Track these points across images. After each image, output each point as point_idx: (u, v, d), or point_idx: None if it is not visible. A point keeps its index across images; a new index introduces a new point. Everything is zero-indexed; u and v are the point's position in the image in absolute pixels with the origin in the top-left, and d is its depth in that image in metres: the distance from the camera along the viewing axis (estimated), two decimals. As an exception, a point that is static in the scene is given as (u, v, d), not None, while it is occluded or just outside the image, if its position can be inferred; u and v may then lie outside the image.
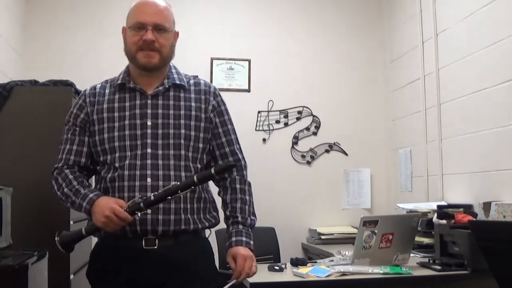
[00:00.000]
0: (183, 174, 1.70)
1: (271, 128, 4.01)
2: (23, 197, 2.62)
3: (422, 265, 2.46)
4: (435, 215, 2.62)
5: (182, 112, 1.75)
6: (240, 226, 1.77)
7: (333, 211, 4.01)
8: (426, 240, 2.77)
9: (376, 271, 2.26)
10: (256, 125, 3.98)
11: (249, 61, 4.00)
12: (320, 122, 4.08)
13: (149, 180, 1.65)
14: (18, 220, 2.51)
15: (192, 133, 1.74)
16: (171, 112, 1.73)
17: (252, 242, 1.78)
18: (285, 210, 3.92)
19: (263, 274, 2.40)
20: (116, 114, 1.73)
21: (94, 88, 1.81)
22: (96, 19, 3.87)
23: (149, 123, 1.70)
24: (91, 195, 1.64)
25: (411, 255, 2.55)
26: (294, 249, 3.83)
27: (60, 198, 1.72)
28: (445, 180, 3.24)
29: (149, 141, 1.69)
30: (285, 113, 4.02)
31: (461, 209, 2.71)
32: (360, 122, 4.13)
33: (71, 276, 2.76)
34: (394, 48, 4.04)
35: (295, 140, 4.04)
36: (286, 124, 4.04)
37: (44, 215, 2.67)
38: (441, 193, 3.25)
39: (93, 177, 1.83)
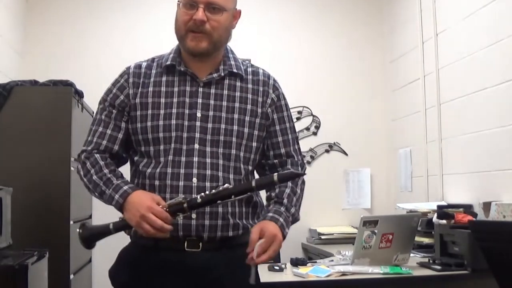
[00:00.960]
0: (231, 176, 1.52)
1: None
2: (23, 197, 2.62)
3: (422, 265, 2.46)
4: (435, 215, 2.62)
5: (237, 105, 1.55)
6: (282, 209, 1.54)
7: (333, 211, 4.01)
8: (426, 240, 2.77)
9: (376, 271, 2.26)
10: (256, 125, 3.98)
11: (249, 61, 3.99)
12: (320, 122, 4.08)
13: (195, 180, 1.47)
14: (18, 220, 2.51)
15: (246, 130, 1.55)
16: (224, 104, 1.54)
17: (287, 231, 1.54)
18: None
19: (263, 274, 2.40)
20: (163, 100, 1.53)
21: (140, 67, 1.59)
22: (97, 19, 3.87)
23: (198, 114, 1.51)
24: (125, 187, 1.44)
25: (411, 255, 2.55)
26: (294, 249, 3.83)
27: (87, 186, 1.53)
28: (445, 180, 3.24)
29: (197, 135, 1.50)
30: (285, 113, 4.02)
31: (461, 209, 2.71)
32: (360, 122, 4.13)
33: (71, 276, 2.77)
34: (394, 48, 4.04)
35: (295, 140, 4.03)
36: (286, 124, 4.03)
37: (44, 215, 2.68)
38: (441, 193, 3.25)
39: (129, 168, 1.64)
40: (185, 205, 1.39)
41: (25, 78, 3.11)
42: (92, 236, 1.46)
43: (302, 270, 2.30)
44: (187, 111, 1.51)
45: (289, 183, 1.58)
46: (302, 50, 4.12)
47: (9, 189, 2.43)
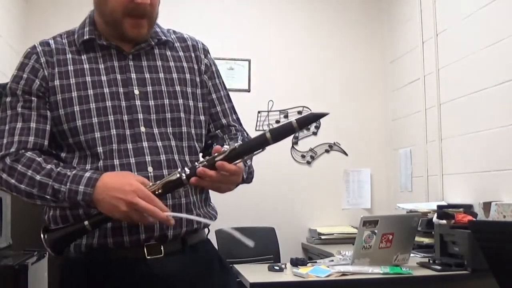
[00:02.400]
0: (187, 158, 1.32)
1: (271, 128, 4.01)
2: (23, 197, 2.62)
3: (422, 265, 2.46)
4: (435, 215, 2.62)
5: (175, 75, 1.37)
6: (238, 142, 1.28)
7: (333, 211, 4.01)
8: (426, 240, 2.77)
9: (376, 271, 2.26)
10: (256, 125, 3.98)
11: (249, 61, 4.00)
12: (320, 122, 4.08)
13: (150, 169, 1.25)
14: (18, 220, 2.51)
15: (191, 102, 1.37)
16: (161, 76, 1.35)
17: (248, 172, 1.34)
18: (285, 210, 3.92)
19: (263, 274, 2.40)
20: (89, 79, 1.28)
21: (47, 44, 1.34)
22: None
23: (136, 91, 1.30)
24: (87, 174, 1.18)
25: (411, 255, 2.55)
26: (294, 249, 3.83)
27: (28, 195, 1.21)
28: (445, 180, 3.24)
29: (140, 116, 1.29)
30: (285, 113, 4.02)
31: (461, 209, 2.71)
32: (360, 122, 4.13)
33: (71, 276, 2.76)
34: (394, 48, 4.04)
35: (295, 140, 4.04)
36: (286, 124, 4.03)
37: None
38: (441, 193, 3.25)
39: None
40: (183, 177, 1.16)
41: (25, 78, 3.10)
42: (63, 239, 1.19)
43: (302, 270, 2.30)
44: (121, 90, 1.29)
45: (240, 138, 1.41)
46: (302, 50, 4.12)
47: (9, 189, 2.43)
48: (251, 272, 2.41)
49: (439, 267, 2.36)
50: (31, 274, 2.08)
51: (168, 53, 1.40)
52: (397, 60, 3.99)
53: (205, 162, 1.16)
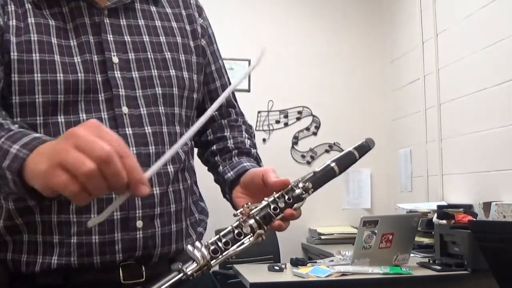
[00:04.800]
0: (180, 149, 1.04)
1: (271, 128, 4.01)
2: (23, 197, 2.62)
3: (422, 265, 2.46)
4: (435, 215, 2.62)
5: (163, 39, 1.05)
6: (253, 160, 1.10)
7: (333, 211, 4.01)
8: (426, 240, 2.77)
9: (376, 271, 2.26)
10: (256, 125, 3.98)
11: (249, 61, 4.00)
12: (320, 122, 4.08)
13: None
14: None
15: (185, 74, 1.06)
16: (146, 39, 1.03)
17: None
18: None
19: (263, 274, 2.40)
20: (54, 41, 0.95)
21: None
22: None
23: (115, 59, 0.98)
24: (36, 135, 0.78)
25: (411, 255, 2.55)
26: (294, 249, 3.83)
27: None
28: (445, 180, 3.24)
29: (122, 92, 0.96)
30: (285, 113, 4.02)
31: (461, 209, 2.71)
32: (360, 122, 4.13)
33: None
34: (394, 48, 4.04)
35: (295, 140, 4.04)
36: (286, 124, 4.04)
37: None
38: (441, 193, 3.25)
39: None
40: (271, 209, 0.87)
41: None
42: None
43: (302, 270, 2.30)
44: (96, 58, 0.96)
45: (244, 133, 1.17)
46: (302, 50, 4.12)
47: (9, 189, 2.44)
48: (251, 272, 2.41)
49: (439, 267, 2.36)
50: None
51: (153, 9, 1.08)
52: (397, 60, 3.99)
53: (281, 213, 0.88)
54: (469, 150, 2.97)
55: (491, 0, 2.78)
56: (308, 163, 4.03)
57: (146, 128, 0.98)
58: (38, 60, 0.93)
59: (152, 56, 1.03)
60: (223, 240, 0.81)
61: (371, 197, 4.10)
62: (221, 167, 1.09)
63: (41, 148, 0.72)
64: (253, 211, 0.85)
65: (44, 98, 0.92)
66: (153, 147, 0.98)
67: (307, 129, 4.07)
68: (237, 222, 0.84)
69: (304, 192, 0.90)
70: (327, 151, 4.09)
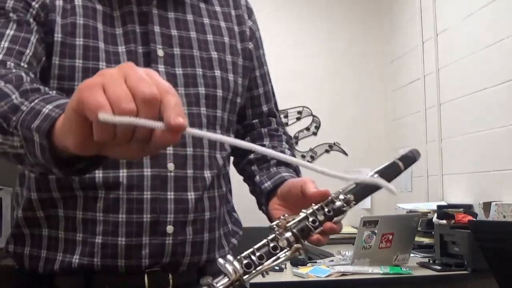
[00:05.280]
0: (218, 155, 0.99)
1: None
2: (23, 197, 2.62)
3: (422, 265, 2.46)
4: (435, 215, 2.62)
5: (210, 37, 1.01)
6: (292, 171, 1.05)
7: (333, 211, 4.01)
8: (426, 240, 2.77)
9: (376, 271, 2.26)
10: (256, 125, 3.98)
11: (249, 61, 4.00)
12: (320, 122, 4.08)
13: (171, 167, 0.91)
14: (18, 220, 2.51)
15: (230, 76, 1.02)
16: (193, 35, 0.99)
17: None
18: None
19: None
20: (100, 26, 0.92)
21: None
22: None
23: (160, 53, 0.94)
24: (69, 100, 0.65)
25: (411, 255, 2.55)
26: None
27: None
28: (445, 180, 3.24)
29: None
30: (285, 113, 4.02)
31: (461, 209, 2.70)
32: (360, 122, 4.13)
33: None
34: (394, 48, 4.04)
35: (295, 140, 4.04)
36: (286, 124, 4.04)
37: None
38: (441, 193, 3.25)
39: None
40: (310, 222, 0.81)
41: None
42: None
43: (302, 270, 2.30)
44: (140, 49, 0.93)
45: (284, 139, 1.14)
46: (302, 50, 4.12)
47: (9, 189, 2.43)
48: (251, 272, 2.40)
49: (439, 267, 2.36)
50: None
51: (203, 5, 1.04)
52: (397, 60, 3.99)
53: (320, 226, 0.82)
54: (469, 150, 2.97)
55: (491, 0, 2.78)
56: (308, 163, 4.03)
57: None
58: (82, 45, 0.89)
59: (198, 53, 0.99)
60: (257, 254, 0.75)
61: (371, 197, 4.07)
62: (257, 177, 1.05)
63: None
64: (290, 224, 0.80)
65: None
66: (191, 148, 0.94)
67: (307, 129, 4.07)
68: (273, 235, 0.79)
69: (345, 205, 0.85)
70: (327, 151, 4.09)
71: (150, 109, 0.52)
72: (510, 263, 1.62)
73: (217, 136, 0.62)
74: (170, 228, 0.90)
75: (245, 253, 0.76)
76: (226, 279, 0.72)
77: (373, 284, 2.27)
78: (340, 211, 0.84)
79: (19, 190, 0.97)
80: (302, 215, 0.81)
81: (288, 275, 2.35)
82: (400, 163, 0.93)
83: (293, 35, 4.13)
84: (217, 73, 0.99)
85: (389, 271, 2.28)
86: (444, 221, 2.52)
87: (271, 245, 0.77)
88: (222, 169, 1.02)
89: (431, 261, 2.47)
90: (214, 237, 0.97)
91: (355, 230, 3.25)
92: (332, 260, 2.55)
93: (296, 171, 1.07)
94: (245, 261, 0.74)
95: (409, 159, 0.94)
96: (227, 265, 0.73)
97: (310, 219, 0.81)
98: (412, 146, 3.63)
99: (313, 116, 4.09)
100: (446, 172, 3.23)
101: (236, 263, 0.73)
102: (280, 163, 1.05)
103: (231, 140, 0.61)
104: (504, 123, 2.65)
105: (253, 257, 0.75)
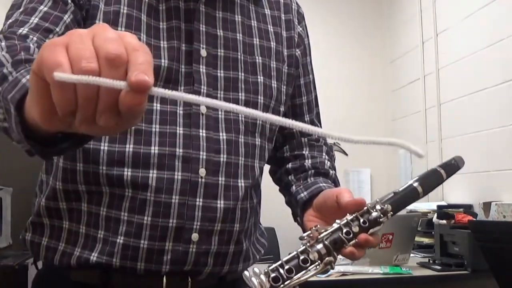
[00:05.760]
0: (257, 165, 0.95)
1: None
2: (23, 197, 2.62)
3: (422, 265, 2.46)
4: (435, 215, 2.62)
5: (256, 41, 0.97)
6: (330, 182, 1.01)
7: (333, 211, 4.01)
8: (426, 240, 2.77)
9: (376, 271, 2.26)
10: (256, 125, 3.98)
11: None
12: (320, 122, 4.08)
13: (202, 172, 0.86)
14: (18, 220, 2.51)
15: (274, 83, 0.97)
16: (239, 37, 0.95)
17: None
18: (285, 210, 3.87)
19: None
20: (144, 18, 0.88)
21: None
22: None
23: (203, 53, 0.89)
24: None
25: (411, 255, 2.55)
26: (294, 249, 3.82)
27: None
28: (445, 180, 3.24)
29: (204, 89, 0.88)
30: (285, 113, 4.02)
31: (461, 209, 2.70)
32: (360, 122, 4.13)
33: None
34: (394, 48, 4.04)
35: (295, 140, 4.04)
36: (286, 124, 4.03)
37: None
38: (441, 193, 3.25)
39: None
40: (343, 234, 0.76)
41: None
42: None
43: (302, 270, 2.30)
44: (183, 47, 0.88)
45: (326, 157, 1.08)
46: (302, 50, 4.12)
47: (9, 189, 2.44)
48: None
49: (439, 267, 2.36)
50: (31, 274, 2.08)
51: (252, 7, 0.99)
52: (397, 60, 3.99)
53: (354, 238, 0.77)
54: (469, 150, 2.97)
55: (491, 0, 2.78)
56: (308, 163, 4.03)
57: (221, 134, 0.89)
58: None
59: (242, 57, 0.94)
60: (286, 267, 0.71)
61: (371, 197, 4.09)
62: (294, 187, 1.01)
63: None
64: (322, 235, 0.75)
65: None
66: (225, 155, 0.88)
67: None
68: (303, 247, 0.75)
69: (382, 216, 0.78)
70: (327, 151, 4.09)
71: (114, 70, 0.46)
72: (510, 263, 1.62)
73: (205, 100, 0.49)
74: (195, 236, 0.86)
75: (273, 265, 0.71)
76: None
77: (373, 284, 2.27)
78: (376, 222, 0.78)
79: (45, 178, 0.94)
80: (335, 226, 0.76)
81: (288, 275, 2.35)
82: (442, 171, 0.89)
83: (293, 35, 4.12)
84: (260, 79, 0.95)
85: (389, 271, 2.27)
86: (444, 221, 2.52)
87: (301, 257, 0.73)
88: (257, 180, 0.98)
89: (431, 261, 2.47)
90: (241, 249, 0.93)
91: (355, 230, 3.25)
92: (332, 260, 2.55)
93: (335, 182, 1.03)
94: (272, 275, 0.70)
95: (452, 166, 0.89)
96: (253, 279, 0.69)
97: (344, 230, 0.76)
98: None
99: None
100: (446, 172, 3.23)
101: (263, 277, 0.69)
102: (319, 173, 1.01)
103: (241, 109, 0.49)
104: (504, 123, 2.65)
105: (281, 271, 0.70)
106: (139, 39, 0.74)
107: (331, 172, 1.04)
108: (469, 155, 2.97)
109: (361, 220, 0.77)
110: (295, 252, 0.74)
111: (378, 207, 0.79)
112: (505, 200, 2.56)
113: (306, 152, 1.07)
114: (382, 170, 4.12)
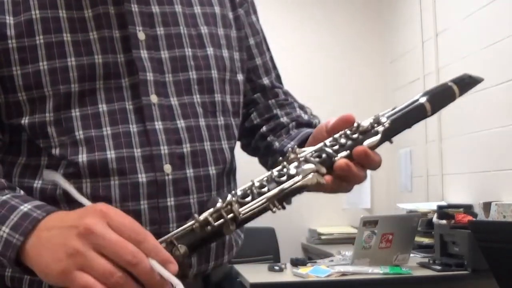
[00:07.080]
0: (226, 146, 0.85)
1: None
2: (23, 197, 2.62)
3: (422, 265, 2.46)
4: (435, 215, 2.62)
5: (198, 9, 0.86)
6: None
7: (333, 211, 4.00)
8: (426, 240, 2.77)
9: (376, 271, 2.26)
10: (256, 125, 3.98)
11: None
12: (320, 122, 4.07)
13: (168, 169, 0.76)
14: None
15: (225, 53, 0.87)
16: (178, 9, 0.83)
17: None
18: (285, 210, 3.91)
19: (263, 274, 2.40)
20: (63, 14, 0.75)
21: None
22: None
23: (141, 36, 0.79)
24: (25, 208, 0.64)
25: (411, 255, 2.55)
26: (294, 249, 3.83)
27: None
28: (445, 180, 3.24)
29: (149, 76, 0.78)
30: (285, 113, 4.02)
31: (461, 209, 2.70)
32: (360, 122, 4.13)
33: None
34: (394, 48, 4.04)
35: (295, 140, 4.03)
36: (286, 124, 4.03)
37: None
38: (441, 193, 3.25)
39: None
40: (328, 146, 0.67)
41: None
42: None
43: (302, 270, 2.30)
44: (117, 33, 0.77)
45: (297, 105, 1.02)
46: (302, 50, 4.11)
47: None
48: (251, 272, 2.41)
49: (439, 267, 2.36)
50: (31, 274, 2.08)
51: None
52: (397, 60, 3.99)
53: (344, 150, 0.66)
54: (469, 150, 2.97)
55: (491, 0, 2.78)
56: (308, 163, 4.03)
57: (178, 122, 0.78)
58: (43, 44, 0.73)
59: (185, 31, 0.82)
60: (257, 184, 0.62)
61: (371, 197, 4.09)
62: (277, 143, 0.90)
63: (42, 233, 0.61)
64: (302, 154, 0.65)
65: (54, 91, 0.72)
66: (188, 145, 0.78)
67: (307, 129, 4.06)
68: (280, 166, 0.65)
69: (375, 124, 0.67)
70: (327, 151, 4.08)
71: (139, 267, 0.56)
72: (510, 263, 1.62)
73: None
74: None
75: (243, 187, 0.64)
76: (211, 210, 0.61)
77: (373, 284, 2.27)
78: (369, 132, 0.66)
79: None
80: (319, 144, 0.66)
81: (288, 275, 2.35)
82: (455, 87, 0.72)
83: (293, 35, 4.12)
84: (210, 51, 0.84)
85: (389, 271, 2.27)
86: (444, 221, 2.52)
87: (275, 174, 0.63)
88: (230, 164, 0.87)
89: (431, 261, 2.47)
90: (224, 240, 0.84)
91: (355, 230, 3.25)
92: (332, 260, 2.54)
93: None
94: (240, 193, 0.62)
95: (465, 82, 0.71)
96: (218, 198, 0.62)
97: (328, 143, 0.65)
98: (412, 146, 3.64)
99: (313, 115, 4.09)
100: (446, 172, 3.23)
101: (229, 196, 0.61)
102: (301, 124, 0.92)
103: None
104: (504, 123, 2.65)
105: (252, 189, 0.62)
106: (62, 41, 0.73)
107: (314, 121, 0.95)
108: (469, 155, 2.97)
109: (349, 132, 0.67)
110: (269, 172, 0.65)
111: (370, 120, 0.68)
112: (505, 200, 2.56)
113: (277, 111, 0.98)
114: (382, 170, 4.09)
